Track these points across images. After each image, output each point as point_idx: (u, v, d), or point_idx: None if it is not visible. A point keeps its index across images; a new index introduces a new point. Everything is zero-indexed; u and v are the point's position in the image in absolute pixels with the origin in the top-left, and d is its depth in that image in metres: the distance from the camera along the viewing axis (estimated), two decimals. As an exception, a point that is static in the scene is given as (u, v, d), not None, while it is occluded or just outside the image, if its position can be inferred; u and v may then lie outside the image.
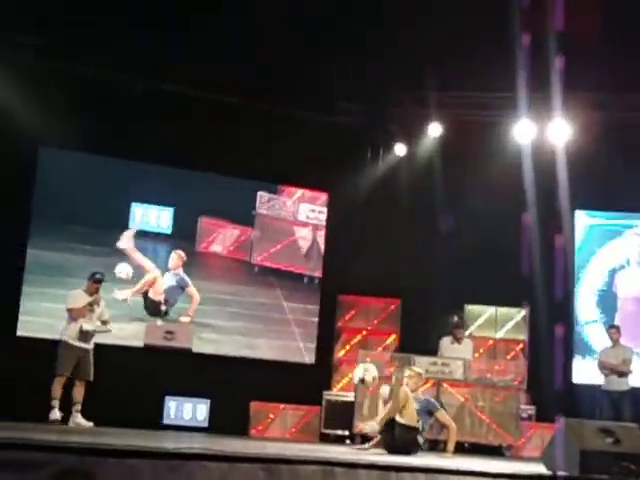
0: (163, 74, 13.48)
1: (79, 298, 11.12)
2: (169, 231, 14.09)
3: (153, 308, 13.74)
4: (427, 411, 9.76)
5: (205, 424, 13.07)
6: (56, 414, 10.64)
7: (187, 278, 13.93)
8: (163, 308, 13.78)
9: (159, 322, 13.76)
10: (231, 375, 13.25)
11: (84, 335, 10.98)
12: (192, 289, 13.88)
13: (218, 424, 12.78)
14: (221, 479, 5.70)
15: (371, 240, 14.38)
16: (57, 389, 10.79)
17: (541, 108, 13.67)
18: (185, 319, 13.85)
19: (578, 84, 12.95)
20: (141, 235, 13.92)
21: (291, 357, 14.29)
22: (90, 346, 11.08)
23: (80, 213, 13.39)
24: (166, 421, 12.90)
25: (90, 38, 12.89)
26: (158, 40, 12.81)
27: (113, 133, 13.24)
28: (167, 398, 13.03)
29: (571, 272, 13.99)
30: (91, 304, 11.09)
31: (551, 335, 13.06)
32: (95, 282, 11.20)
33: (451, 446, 9.94)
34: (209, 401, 13.17)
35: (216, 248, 14.42)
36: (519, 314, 13.70)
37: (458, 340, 12.81)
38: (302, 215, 14.88)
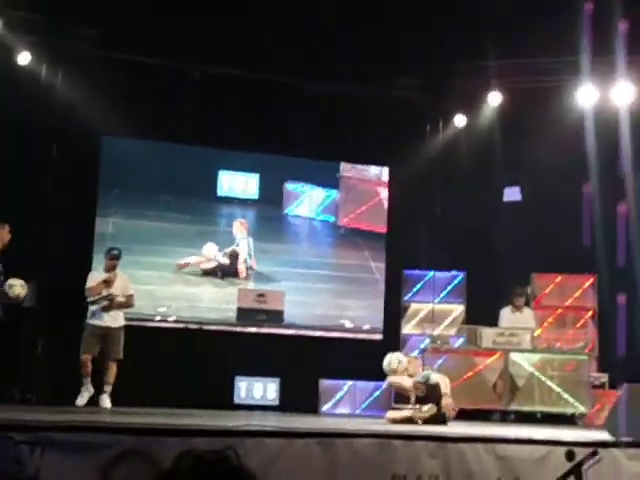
0: (220, 58, 13.56)
1: (95, 277, 10.91)
2: (256, 197, 14.39)
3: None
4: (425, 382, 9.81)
5: (276, 402, 13.19)
6: (83, 399, 10.47)
7: (245, 240, 14.13)
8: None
9: (250, 286, 13.98)
10: (299, 353, 13.36)
11: (102, 313, 10.76)
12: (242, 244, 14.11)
13: (288, 402, 12.86)
14: (278, 454, 5.78)
15: (434, 213, 14.31)
16: (81, 371, 10.58)
17: (604, 71, 13.37)
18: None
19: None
20: (229, 202, 14.28)
21: (380, 316, 14.39)
22: (114, 324, 10.84)
23: (168, 182, 13.79)
24: (237, 401, 13.05)
25: (147, 26, 13.07)
26: (216, 24, 12.95)
27: (179, 119, 13.45)
28: (237, 378, 13.17)
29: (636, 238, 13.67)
30: (107, 281, 10.81)
31: (618, 302, 12.83)
32: (112, 259, 10.96)
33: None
34: (279, 380, 13.29)
35: (302, 211, 14.61)
36: (587, 281, 13.46)
37: (518, 309, 12.65)
38: (385, 177, 14.96)
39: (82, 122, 12.72)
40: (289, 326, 14.04)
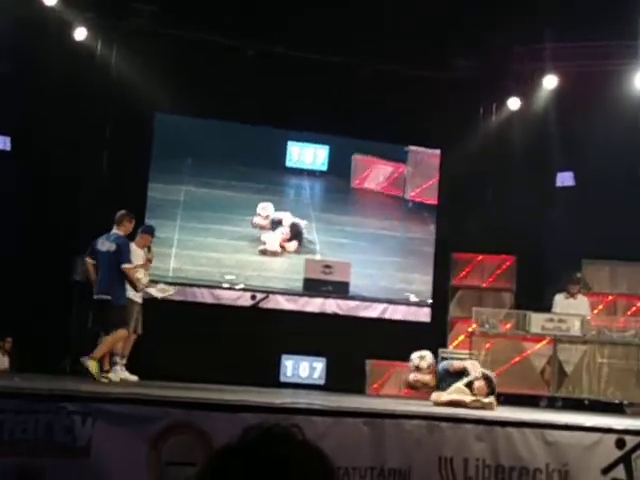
0: (274, 37, 13.57)
1: (138, 254, 10.48)
2: (325, 168, 14.48)
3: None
4: (447, 371, 9.52)
5: (321, 382, 13.24)
6: (124, 373, 10.18)
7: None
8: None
9: (317, 257, 14.07)
10: (346, 334, 13.37)
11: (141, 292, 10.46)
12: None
13: (335, 382, 12.90)
14: (325, 433, 5.79)
15: (485, 196, 14.19)
16: (120, 346, 10.19)
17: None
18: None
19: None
20: (298, 172, 14.46)
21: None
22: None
23: (239, 153, 13.96)
24: (283, 379, 13.12)
25: (201, 3, 13.13)
26: (270, 2, 12.98)
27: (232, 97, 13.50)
28: (284, 357, 13.23)
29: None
30: (150, 260, 10.63)
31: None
32: (153, 235, 10.76)
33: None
34: (325, 359, 13.32)
35: (370, 184, 14.69)
36: (640, 269, 13.25)
37: (573, 295, 12.51)
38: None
39: (136, 97, 12.82)
40: (354, 297, 14.14)
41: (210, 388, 9.09)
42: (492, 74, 14.44)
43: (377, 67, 13.88)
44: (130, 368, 10.33)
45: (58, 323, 12.32)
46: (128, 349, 10.46)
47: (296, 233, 14.15)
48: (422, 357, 9.86)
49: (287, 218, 14.19)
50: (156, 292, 10.70)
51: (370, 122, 13.91)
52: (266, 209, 14.14)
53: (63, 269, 12.51)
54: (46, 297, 12.08)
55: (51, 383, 7.34)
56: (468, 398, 8.81)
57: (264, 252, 13.96)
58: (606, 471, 6.19)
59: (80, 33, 12.86)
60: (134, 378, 10.31)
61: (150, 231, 10.95)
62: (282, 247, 14.04)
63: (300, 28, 13.20)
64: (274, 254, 13.99)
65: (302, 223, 14.22)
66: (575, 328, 11.88)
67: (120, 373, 10.19)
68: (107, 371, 9.77)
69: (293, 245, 14.11)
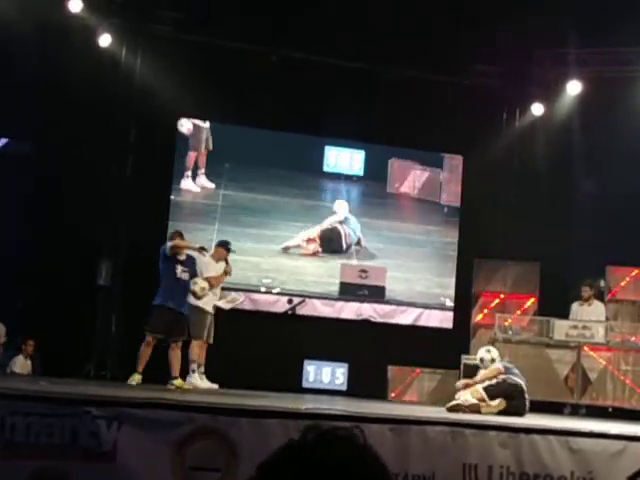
0: (295, 42, 13.60)
1: (214, 266, 10.74)
2: (361, 173, 14.54)
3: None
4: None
5: (343, 388, 13.22)
6: (204, 380, 10.34)
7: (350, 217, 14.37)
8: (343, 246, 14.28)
9: (354, 262, 14.10)
10: (368, 339, 13.36)
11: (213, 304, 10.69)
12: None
13: (356, 388, 12.88)
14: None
15: (508, 203, 14.14)
16: (198, 353, 10.41)
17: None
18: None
19: None
20: (334, 177, 14.49)
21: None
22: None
23: (276, 157, 14.03)
24: (305, 385, 13.12)
25: (226, 10, 13.18)
26: (293, 8, 13.03)
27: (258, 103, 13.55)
28: (306, 362, 13.23)
29: None
30: (226, 273, 10.81)
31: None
32: (228, 251, 10.95)
33: None
34: (347, 365, 13.31)
35: (406, 189, 14.71)
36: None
37: (587, 302, 12.43)
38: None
39: (161, 103, 12.88)
40: (390, 302, 14.18)
41: (233, 393, 9.11)
42: (514, 79, 14.41)
43: (395, 73, 13.87)
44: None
45: (82, 327, 12.39)
46: (203, 359, 10.53)
47: (328, 238, 14.16)
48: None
49: (331, 221, 14.29)
50: (224, 304, 10.86)
51: (398, 128, 13.87)
52: (339, 207, 14.27)
53: (87, 273, 12.60)
54: (70, 301, 12.16)
55: (76, 387, 7.38)
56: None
57: (287, 249, 13.98)
58: (632, 479, 6.15)
59: (105, 39, 12.92)
60: (215, 386, 10.39)
61: (223, 244, 11.12)
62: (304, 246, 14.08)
63: (323, 34, 13.23)
64: (295, 249, 14.01)
65: (343, 230, 14.25)
66: (599, 335, 11.82)
67: (195, 381, 10.27)
68: (175, 377, 9.88)
69: (313, 247, 14.10)
